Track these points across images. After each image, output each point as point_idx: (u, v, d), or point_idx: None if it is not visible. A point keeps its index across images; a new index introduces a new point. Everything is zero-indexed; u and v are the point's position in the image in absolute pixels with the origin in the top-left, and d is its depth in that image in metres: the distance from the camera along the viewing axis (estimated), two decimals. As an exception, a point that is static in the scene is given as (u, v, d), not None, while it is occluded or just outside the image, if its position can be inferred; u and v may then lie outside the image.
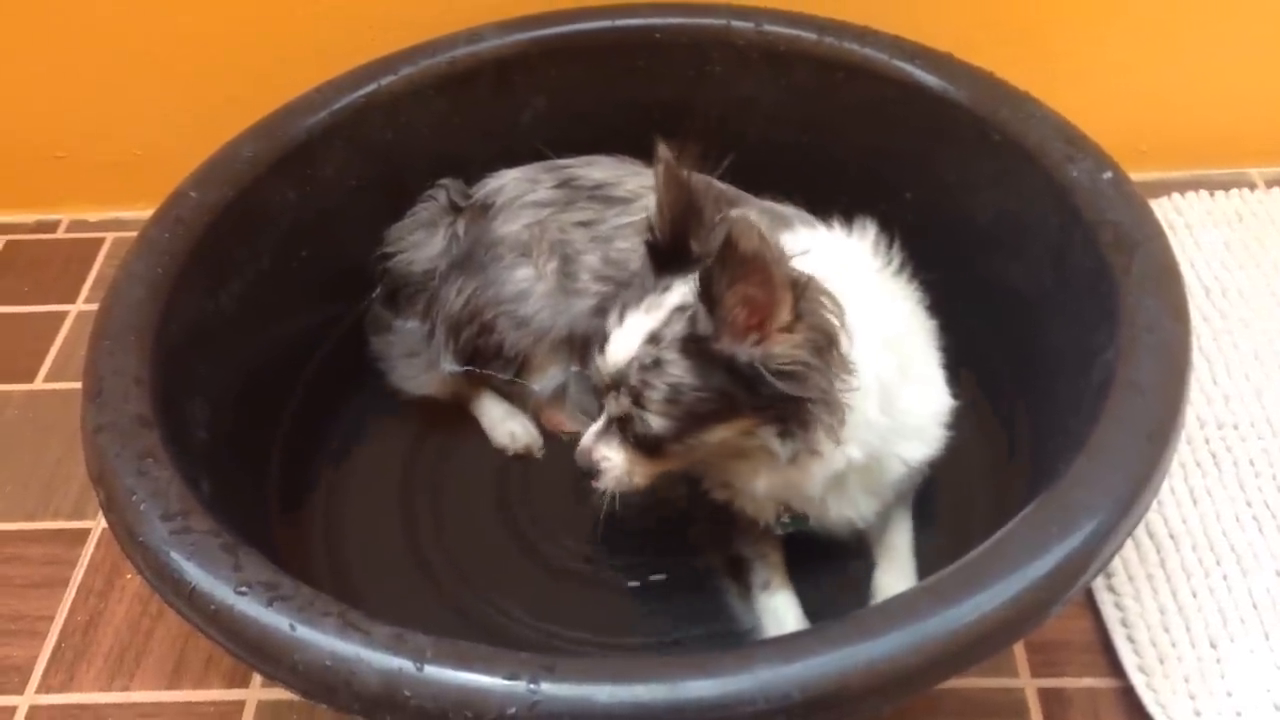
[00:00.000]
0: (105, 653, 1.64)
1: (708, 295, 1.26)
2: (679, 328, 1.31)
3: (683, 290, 1.32)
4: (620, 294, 1.42)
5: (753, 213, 1.62)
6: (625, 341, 1.34)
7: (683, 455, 1.38)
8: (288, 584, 1.20)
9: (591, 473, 1.41)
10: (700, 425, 1.33)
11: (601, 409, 1.41)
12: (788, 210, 1.64)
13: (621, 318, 1.35)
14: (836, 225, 1.54)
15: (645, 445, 1.37)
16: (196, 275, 1.59)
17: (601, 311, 1.68)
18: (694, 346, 1.29)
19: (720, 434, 1.34)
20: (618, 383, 1.34)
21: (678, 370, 1.30)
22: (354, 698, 1.13)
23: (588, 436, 1.42)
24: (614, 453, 1.39)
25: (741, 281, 1.22)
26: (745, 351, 1.27)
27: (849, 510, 1.50)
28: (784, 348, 1.27)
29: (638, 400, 1.32)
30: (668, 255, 1.35)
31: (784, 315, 1.25)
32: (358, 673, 1.13)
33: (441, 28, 1.93)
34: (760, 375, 1.27)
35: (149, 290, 1.51)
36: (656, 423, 1.33)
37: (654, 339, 1.32)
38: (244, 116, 1.81)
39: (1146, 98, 2.16)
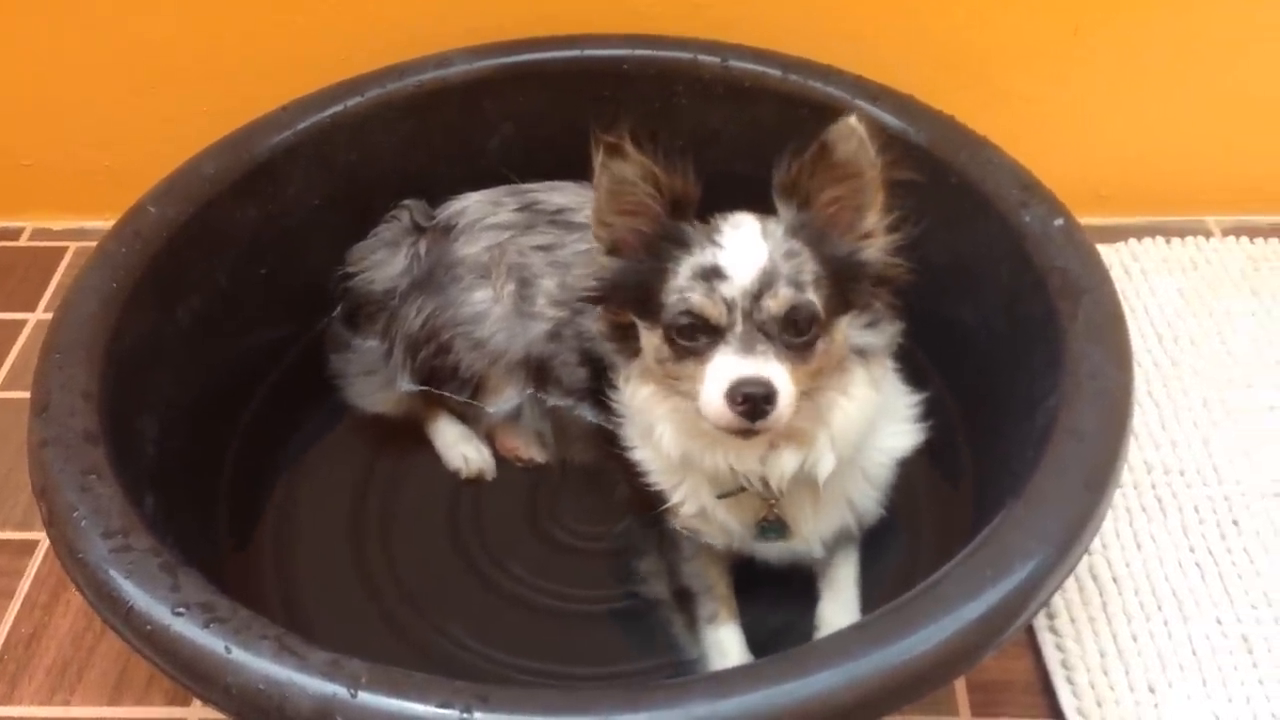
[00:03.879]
0: (47, 666, 1.63)
1: (792, 191, 1.36)
2: (781, 227, 1.35)
3: (741, 215, 1.38)
4: (662, 254, 1.36)
5: None
6: (747, 250, 1.33)
7: (820, 360, 1.35)
8: (225, 606, 1.20)
9: (767, 402, 1.27)
10: (832, 316, 1.35)
11: (718, 340, 1.31)
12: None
13: (713, 246, 1.33)
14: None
15: (801, 345, 1.32)
16: (152, 291, 1.59)
17: (556, 336, 1.70)
18: (810, 236, 1.35)
19: (841, 330, 1.37)
20: (768, 282, 1.30)
21: (809, 260, 1.34)
22: (285, 722, 1.13)
23: (732, 368, 1.29)
24: (777, 369, 1.29)
25: (837, 184, 1.35)
26: (843, 244, 1.37)
27: (819, 523, 1.51)
28: (874, 251, 1.39)
29: (798, 285, 1.31)
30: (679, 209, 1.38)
31: (873, 219, 1.38)
32: (290, 697, 1.13)
33: (414, 52, 1.94)
34: (859, 264, 1.37)
35: (102, 304, 1.52)
36: (818, 302, 1.32)
37: (769, 236, 1.34)
38: (214, 132, 1.82)
39: (1107, 144, 2.18)
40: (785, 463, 1.41)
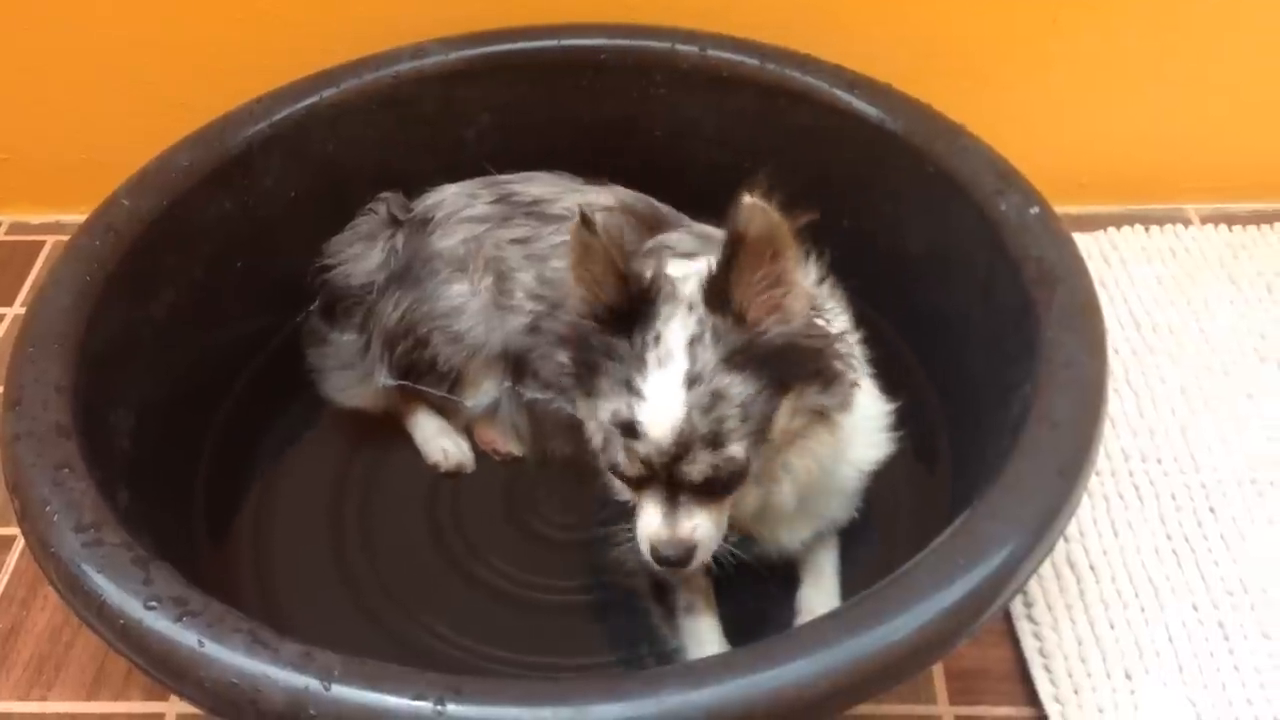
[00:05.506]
0: (25, 662, 1.63)
1: (724, 302, 1.26)
2: (711, 354, 1.26)
3: (676, 327, 1.27)
4: (584, 385, 1.33)
5: (687, 237, 1.64)
6: (664, 406, 1.25)
7: (760, 467, 1.33)
8: (198, 599, 1.20)
9: (686, 558, 1.31)
10: (769, 424, 1.30)
11: (640, 488, 1.31)
12: (722, 234, 1.64)
13: (631, 394, 1.26)
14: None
15: (732, 485, 1.30)
16: (126, 284, 1.59)
17: (535, 329, 1.70)
18: (737, 358, 1.26)
19: (783, 421, 1.31)
20: (685, 446, 1.25)
21: (737, 389, 1.26)
22: (259, 716, 1.12)
23: (653, 528, 1.30)
24: (700, 518, 1.30)
25: (760, 268, 1.23)
26: (776, 333, 1.27)
27: (791, 534, 1.52)
28: (800, 310, 1.29)
29: (717, 442, 1.26)
30: (621, 316, 1.29)
31: (797, 278, 1.27)
32: (263, 690, 1.12)
33: (392, 43, 1.93)
34: (795, 345, 1.28)
35: (75, 298, 1.51)
36: (742, 450, 1.27)
37: (694, 380, 1.25)
38: (191, 124, 1.81)
39: (1087, 133, 2.19)
40: (747, 497, 1.40)
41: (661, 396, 1.26)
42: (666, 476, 1.28)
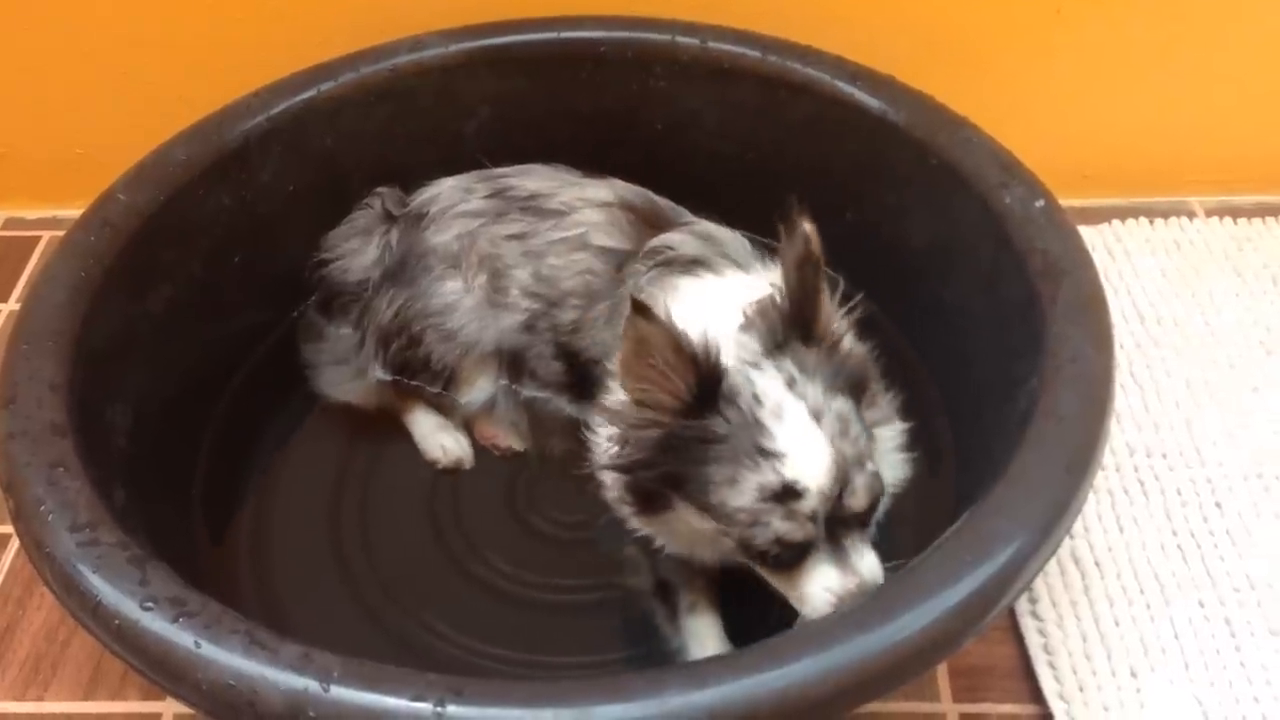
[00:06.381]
0: (20, 661, 1.62)
1: (808, 333, 1.27)
2: (812, 387, 1.25)
3: (765, 380, 1.25)
4: (658, 503, 1.31)
5: (689, 238, 1.61)
6: (811, 448, 1.22)
7: None
8: (195, 600, 1.19)
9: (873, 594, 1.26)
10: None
11: (801, 557, 1.26)
12: (724, 234, 1.63)
13: (768, 459, 1.22)
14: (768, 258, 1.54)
15: (878, 503, 1.29)
16: (123, 279, 1.57)
17: (530, 328, 1.68)
18: (834, 382, 1.27)
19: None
20: (844, 477, 1.23)
21: (848, 408, 1.27)
22: (257, 718, 1.11)
23: (836, 584, 1.25)
24: (867, 552, 1.27)
25: (822, 286, 1.26)
26: (850, 353, 1.31)
27: None
28: (836, 322, 1.31)
29: (862, 461, 1.25)
30: (698, 399, 1.24)
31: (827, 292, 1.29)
32: (261, 692, 1.11)
33: (390, 35, 1.92)
34: (848, 358, 1.30)
35: (70, 294, 1.49)
36: (875, 464, 1.28)
37: (817, 413, 1.24)
38: (189, 119, 1.79)
39: (1091, 125, 2.17)
40: None
41: (803, 442, 1.23)
42: (827, 523, 1.24)
